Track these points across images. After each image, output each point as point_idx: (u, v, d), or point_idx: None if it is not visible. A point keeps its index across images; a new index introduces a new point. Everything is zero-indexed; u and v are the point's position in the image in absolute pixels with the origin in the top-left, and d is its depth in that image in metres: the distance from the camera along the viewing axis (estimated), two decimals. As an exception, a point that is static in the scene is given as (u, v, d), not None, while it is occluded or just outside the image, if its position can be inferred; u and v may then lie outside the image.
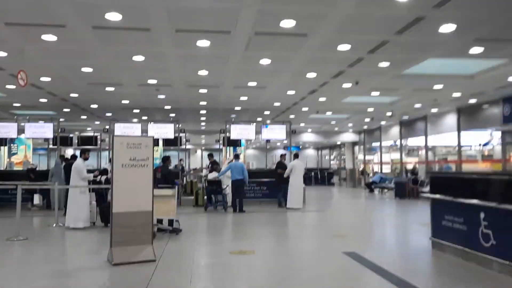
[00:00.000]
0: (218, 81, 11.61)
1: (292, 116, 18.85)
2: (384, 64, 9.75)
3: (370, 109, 17.31)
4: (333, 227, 10.03)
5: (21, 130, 15.53)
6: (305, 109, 16.96)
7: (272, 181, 14.04)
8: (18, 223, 7.95)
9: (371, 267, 5.78)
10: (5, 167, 19.27)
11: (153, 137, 6.76)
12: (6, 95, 13.58)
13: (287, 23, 6.97)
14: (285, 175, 13.00)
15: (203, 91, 13.09)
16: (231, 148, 18.54)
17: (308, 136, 28.03)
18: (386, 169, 24.70)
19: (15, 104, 15.37)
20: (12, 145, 20.41)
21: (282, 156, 14.06)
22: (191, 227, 9.41)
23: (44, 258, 6.53)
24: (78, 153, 10.82)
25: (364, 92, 13.38)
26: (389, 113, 18.17)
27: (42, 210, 12.38)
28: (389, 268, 5.70)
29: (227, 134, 15.49)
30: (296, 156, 13.56)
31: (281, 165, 13.50)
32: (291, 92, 13.37)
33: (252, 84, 12.03)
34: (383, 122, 22.41)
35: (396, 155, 23.94)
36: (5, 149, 20.44)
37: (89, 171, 9.88)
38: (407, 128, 21.06)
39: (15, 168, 18.74)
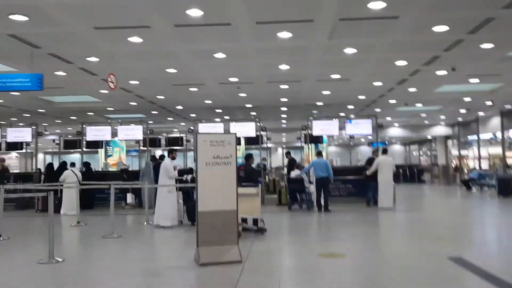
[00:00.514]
0: (300, 75, 11.23)
1: (377, 110, 17.84)
2: (487, 46, 8.64)
3: (467, 99, 15.75)
4: (431, 228, 9.12)
5: (114, 133, 16.44)
6: (392, 101, 15.93)
7: (358, 179, 13.36)
8: (113, 222, 8.27)
9: (486, 277, 5.01)
10: (101, 168, 20.74)
11: (235, 134, 6.58)
12: (101, 100, 14.46)
13: (376, 5, 6.37)
14: (368, 173, 12.25)
15: (284, 86, 12.79)
16: (313, 145, 18.04)
17: (394, 131, 26.52)
18: (484, 164, 22.46)
19: (108, 108, 16.34)
20: (108, 147, 21.96)
21: (374, 152, 13.26)
22: (276, 227, 9.15)
23: (136, 256, 6.64)
24: (166, 153, 11.11)
25: (461, 80, 12.13)
26: (489, 103, 16.37)
27: (135, 208, 12.94)
28: (510, 279, 4.89)
29: (309, 131, 14.99)
30: (384, 151, 12.72)
31: (372, 162, 12.75)
32: (377, 84, 12.55)
33: (335, 76, 11.46)
34: (481, 113, 20.36)
35: (495, 149, 21.64)
36: (101, 151, 22.05)
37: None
38: (510, 118, 18.91)
39: (110, 169, 20.08)
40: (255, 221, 8.35)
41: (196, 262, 5.78)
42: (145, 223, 9.67)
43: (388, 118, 21.99)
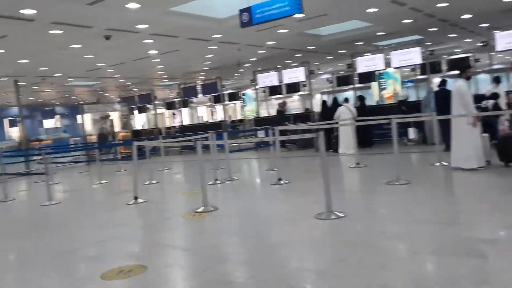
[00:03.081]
0: None
1: None
2: None
3: None
4: None
5: (387, 64, 14.67)
6: None
7: None
8: (397, 164, 6.62)
9: None
10: (376, 102, 19.56)
11: None
12: (370, 24, 12.79)
13: None
14: None
15: None
16: None
17: None
18: None
19: (378, 34, 14.54)
20: (381, 80, 20.61)
21: None
22: None
23: (437, 216, 4.77)
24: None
25: None
26: None
27: (419, 145, 11.05)
28: None
29: None
30: None
31: None
32: None
33: None
34: None
35: None
36: (375, 85, 20.91)
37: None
38: None
39: (386, 102, 18.66)
40: None
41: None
42: (438, 164, 7.62)
43: None
